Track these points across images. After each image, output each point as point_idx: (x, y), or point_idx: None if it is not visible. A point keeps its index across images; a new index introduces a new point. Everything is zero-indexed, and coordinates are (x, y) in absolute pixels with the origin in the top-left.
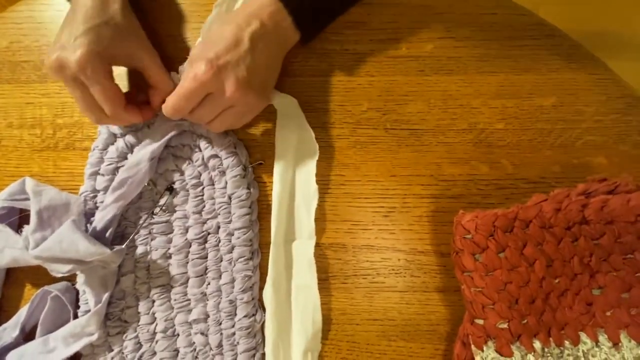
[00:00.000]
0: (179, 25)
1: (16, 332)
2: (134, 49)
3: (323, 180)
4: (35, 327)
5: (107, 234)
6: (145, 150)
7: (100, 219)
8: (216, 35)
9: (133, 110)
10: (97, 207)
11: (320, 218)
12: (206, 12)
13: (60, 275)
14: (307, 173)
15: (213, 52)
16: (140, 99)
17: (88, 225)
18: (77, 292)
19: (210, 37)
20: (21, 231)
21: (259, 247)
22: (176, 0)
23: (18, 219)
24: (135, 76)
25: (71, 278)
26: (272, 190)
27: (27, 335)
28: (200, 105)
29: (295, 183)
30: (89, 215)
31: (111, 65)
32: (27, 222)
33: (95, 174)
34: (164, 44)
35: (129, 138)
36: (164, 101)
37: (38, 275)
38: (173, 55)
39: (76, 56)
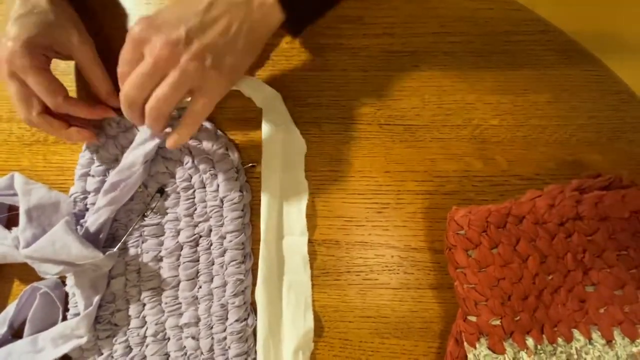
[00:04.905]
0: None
1: (4, 329)
2: (64, 37)
3: (316, 176)
4: (23, 324)
5: (100, 237)
6: (138, 153)
7: (93, 222)
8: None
9: (77, 103)
10: (87, 209)
11: (313, 214)
12: None
13: (49, 276)
14: (296, 169)
15: (157, 10)
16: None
17: (78, 227)
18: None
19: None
20: (11, 230)
21: (252, 249)
22: None
23: (7, 216)
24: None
25: (61, 278)
26: (261, 191)
27: (16, 332)
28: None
29: (284, 179)
30: (79, 216)
31: (46, 56)
32: (16, 220)
33: (86, 175)
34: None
35: (120, 139)
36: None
37: (27, 271)
38: None
39: (6, 50)
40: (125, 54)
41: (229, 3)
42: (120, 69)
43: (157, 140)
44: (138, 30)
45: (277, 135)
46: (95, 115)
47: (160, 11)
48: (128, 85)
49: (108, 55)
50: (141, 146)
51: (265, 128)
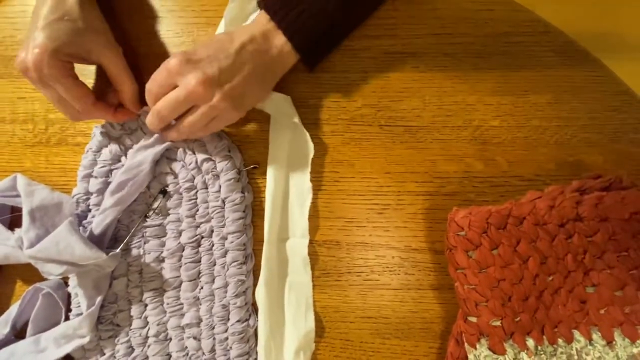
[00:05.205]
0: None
1: (7, 329)
2: (92, 45)
3: (317, 177)
4: (26, 325)
5: (105, 238)
6: (148, 152)
7: (98, 223)
8: (209, 39)
9: (105, 107)
10: (89, 210)
11: (314, 215)
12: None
13: (52, 277)
14: (301, 171)
15: (193, 48)
16: (111, 99)
17: (81, 228)
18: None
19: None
20: (14, 231)
21: (253, 250)
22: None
23: (9, 217)
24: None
25: (64, 279)
26: (266, 192)
27: (18, 332)
28: (165, 96)
29: (289, 181)
30: (81, 217)
31: (71, 62)
32: (19, 221)
33: (89, 176)
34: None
35: (123, 140)
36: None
37: (30, 272)
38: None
39: (32, 57)
40: (158, 79)
41: (254, 50)
42: (149, 87)
43: (166, 144)
44: (175, 63)
45: (284, 137)
46: (118, 119)
47: (196, 49)
48: (162, 106)
49: (135, 62)
50: (150, 149)
51: (273, 131)
